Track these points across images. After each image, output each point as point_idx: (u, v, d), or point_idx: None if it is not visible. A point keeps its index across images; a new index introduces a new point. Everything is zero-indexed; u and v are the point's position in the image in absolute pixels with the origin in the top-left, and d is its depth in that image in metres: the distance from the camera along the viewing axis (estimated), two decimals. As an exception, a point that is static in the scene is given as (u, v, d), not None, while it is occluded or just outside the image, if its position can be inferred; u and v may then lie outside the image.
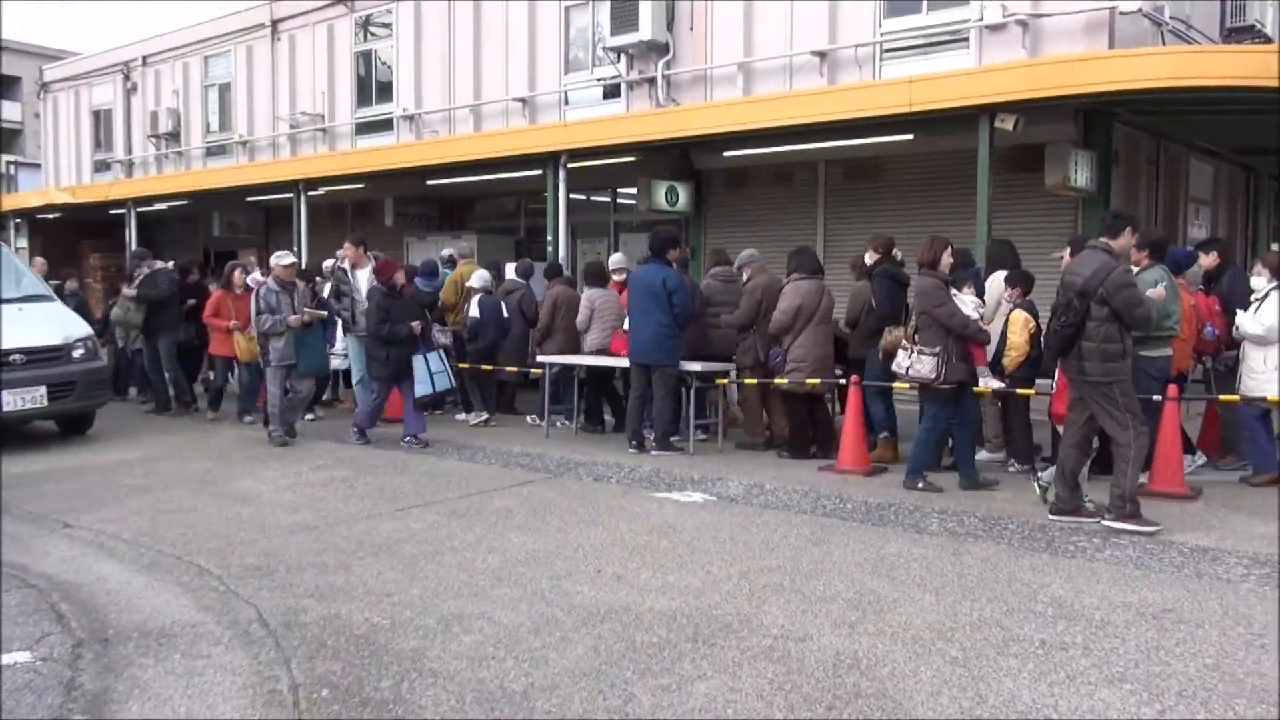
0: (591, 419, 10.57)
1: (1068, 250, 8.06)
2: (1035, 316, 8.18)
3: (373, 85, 18.01)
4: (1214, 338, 8.13)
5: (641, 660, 4.25)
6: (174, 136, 21.16)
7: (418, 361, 9.73)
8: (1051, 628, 4.61)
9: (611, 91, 14.80)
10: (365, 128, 17.90)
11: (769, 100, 12.27)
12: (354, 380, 11.17)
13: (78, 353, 10.33)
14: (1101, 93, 9.99)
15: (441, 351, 10.13)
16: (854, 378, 8.44)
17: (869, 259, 8.97)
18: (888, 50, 12.29)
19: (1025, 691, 3.90)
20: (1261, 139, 13.29)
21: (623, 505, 7.22)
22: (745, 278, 9.59)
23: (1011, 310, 8.23)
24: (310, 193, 17.14)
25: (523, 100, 15.60)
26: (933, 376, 7.39)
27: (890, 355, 8.64)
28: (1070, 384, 6.68)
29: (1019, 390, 8.10)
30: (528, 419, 11.21)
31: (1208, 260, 8.64)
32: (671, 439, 9.26)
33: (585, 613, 4.84)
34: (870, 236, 9.32)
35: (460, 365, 11.00)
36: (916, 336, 7.52)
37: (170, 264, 13.11)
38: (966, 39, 11.72)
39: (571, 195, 13.89)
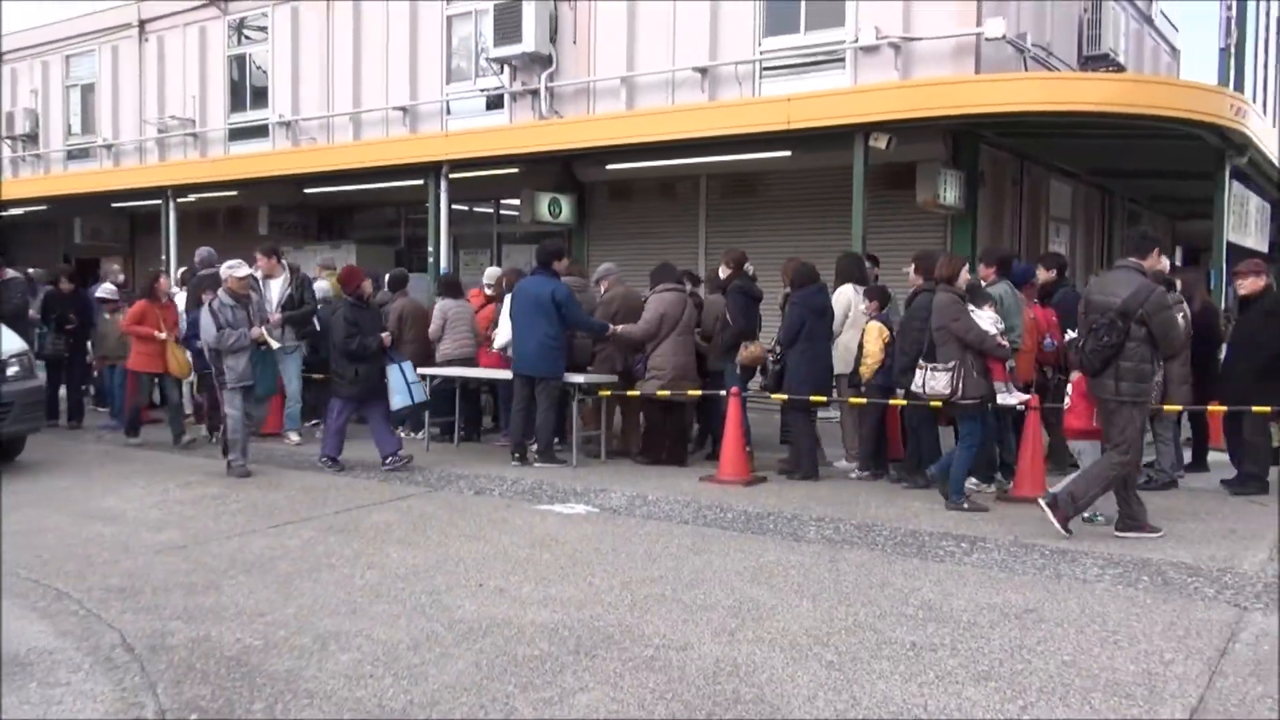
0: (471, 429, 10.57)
1: (913, 267, 8.43)
2: (890, 328, 8.46)
3: (247, 90, 17.53)
4: (1053, 349, 8.55)
5: (523, 674, 4.22)
6: (31, 139, 20.20)
7: (393, 372, 9.06)
8: (922, 630, 4.77)
9: (494, 102, 14.73)
10: (239, 133, 17.40)
11: (651, 115, 12.41)
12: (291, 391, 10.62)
13: (12, 370, 9.23)
14: (969, 114, 10.43)
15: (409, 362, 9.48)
16: (734, 389, 8.58)
17: (723, 274, 9.23)
18: (767, 68, 12.56)
19: (897, 692, 4.02)
20: (1116, 162, 14.06)
21: (505, 518, 7.17)
22: (603, 289, 9.72)
23: (868, 321, 8.50)
24: (180, 199, 16.57)
25: (404, 109, 15.40)
26: (948, 392, 7.32)
27: (748, 369, 8.84)
28: (1096, 404, 6.65)
29: (870, 400, 8.37)
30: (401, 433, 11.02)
31: (1044, 275, 9.09)
32: (555, 451, 9.25)
33: (466, 627, 4.79)
34: (724, 252, 9.60)
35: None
36: (934, 353, 7.46)
37: (23, 273, 12.50)
38: (842, 59, 12.06)
39: (453, 206, 13.79)
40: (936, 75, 11.30)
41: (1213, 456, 8.98)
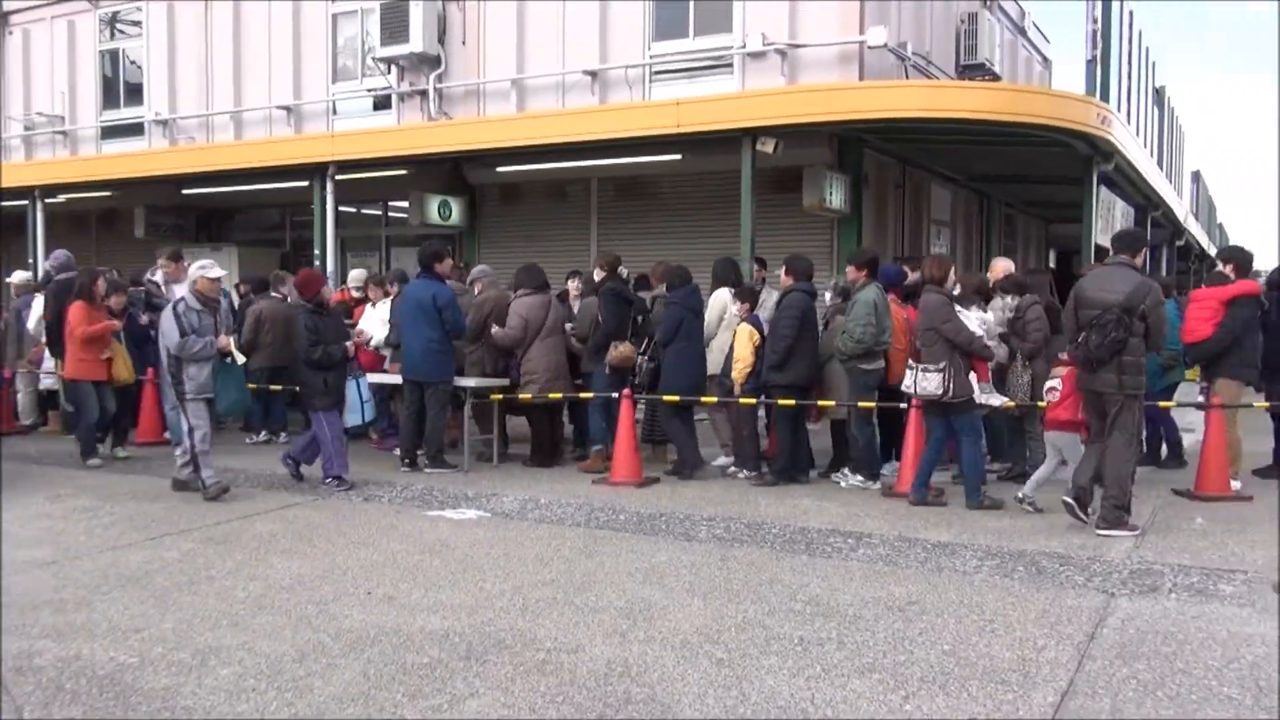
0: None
1: (783, 269, 8.62)
2: (760, 331, 8.61)
3: (120, 87, 16.89)
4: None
5: (413, 681, 4.16)
6: (-115, 135, 19.08)
7: (349, 388, 8.58)
8: (809, 625, 4.86)
9: (382, 103, 14.50)
10: (112, 132, 16.75)
11: (541, 117, 12.38)
12: (166, 406, 9.86)
13: None
14: (853, 120, 10.69)
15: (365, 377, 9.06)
16: (625, 390, 8.61)
17: (597, 276, 9.30)
18: (657, 72, 12.65)
19: (784, 687, 4.09)
20: (992, 168, 14.56)
21: (394, 525, 7.05)
22: (477, 291, 9.69)
23: (739, 324, 8.63)
24: (49, 200, 15.86)
25: (288, 108, 15.04)
26: (939, 393, 7.36)
27: (617, 370, 8.88)
28: (1090, 395, 6.76)
29: (743, 400, 8.52)
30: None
31: (913, 276, 9.40)
32: (445, 455, 9.15)
33: (354, 637, 4.70)
34: (598, 254, 9.67)
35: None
36: (921, 353, 7.55)
37: None
38: (730, 65, 12.23)
39: (340, 208, 13.53)
40: (822, 81, 11.55)
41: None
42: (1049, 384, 7.25)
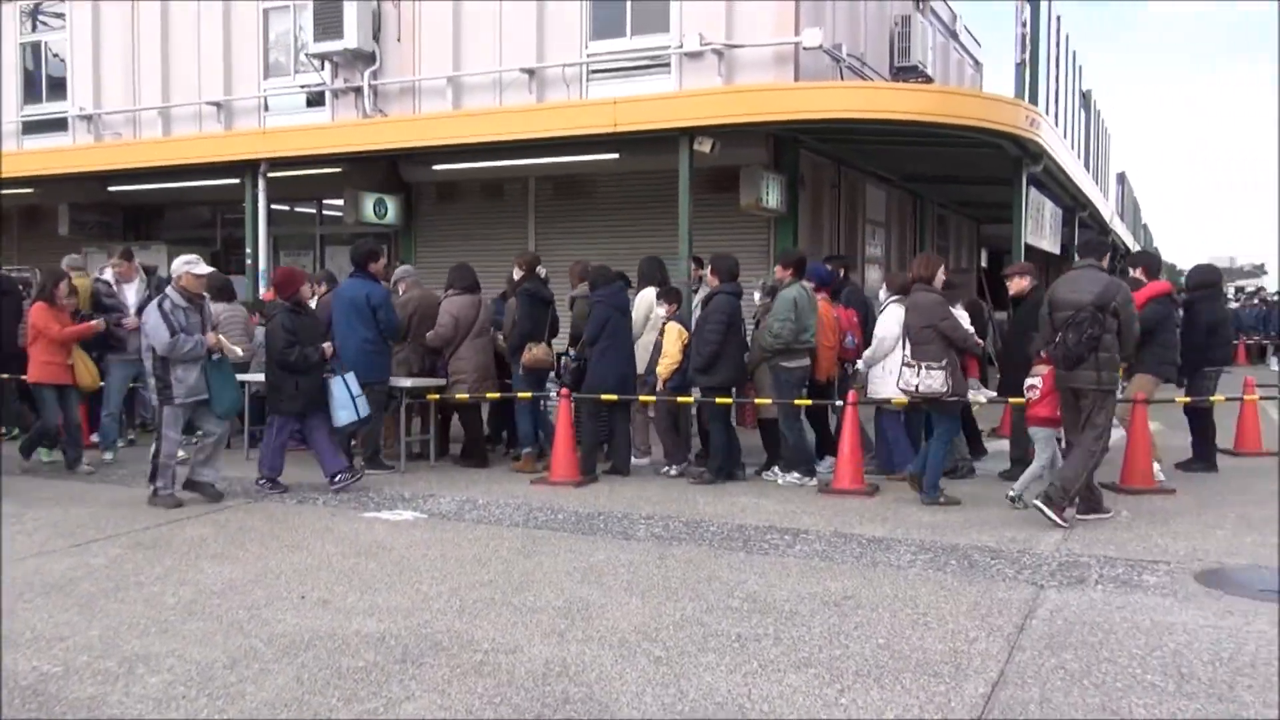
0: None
1: (709, 269, 8.74)
2: (688, 329, 8.66)
3: (43, 81, 16.43)
4: (854, 346, 8.97)
5: (347, 686, 4.11)
6: None
7: (336, 384, 8.18)
8: (747, 621, 4.89)
9: (315, 99, 14.30)
10: (34, 127, 16.30)
11: (478, 115, 12.29)
12: (103, 411, 9.62)
13: None
14: (789, 120, 10.77)
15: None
16: (563, 390, 8.59)
17: (515, 275, 9.32)
18: (594, 71, 12.64)
19: (722, 683, 4.12)
20: (925, 168, 14.78)
21: (329, 527, 6.96)
22: (400, 292, 9.64)
23: (666, 323, 8.67)
24: (-33, 197, 15.38)
25: (218, 104, 14.77)
26: (944, 390, 7.47)
27: (531, 370, 8.88)
28: (1067, 393, 6.97)
29: (679, 399, 8.57)
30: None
31: (839, 276, 9.58)
32: (382, 456, 9.06)
33: (287, 641, 4.63)
34: (517, 254, 9.67)
35: None
36: (914, 351, 7.57)
37: None
38: (668, 64, 12.26)
39: (273, 206, 13.29)
40: (758, 82, 11.63)
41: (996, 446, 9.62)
42: (1029, 382, 7.43)
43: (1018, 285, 8.72)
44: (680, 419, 9.03)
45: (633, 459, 9.19)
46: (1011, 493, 7.37)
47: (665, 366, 8.53)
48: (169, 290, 7.74)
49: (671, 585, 5.52)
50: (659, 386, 8.59)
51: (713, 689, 4.06)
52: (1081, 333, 6.75)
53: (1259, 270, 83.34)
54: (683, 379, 8.55)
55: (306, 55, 13.93)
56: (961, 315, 7.89)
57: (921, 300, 7.66)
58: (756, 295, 9.28)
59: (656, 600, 5.25)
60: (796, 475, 8.35)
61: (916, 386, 7.55)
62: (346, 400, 8.21)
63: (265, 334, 8.22)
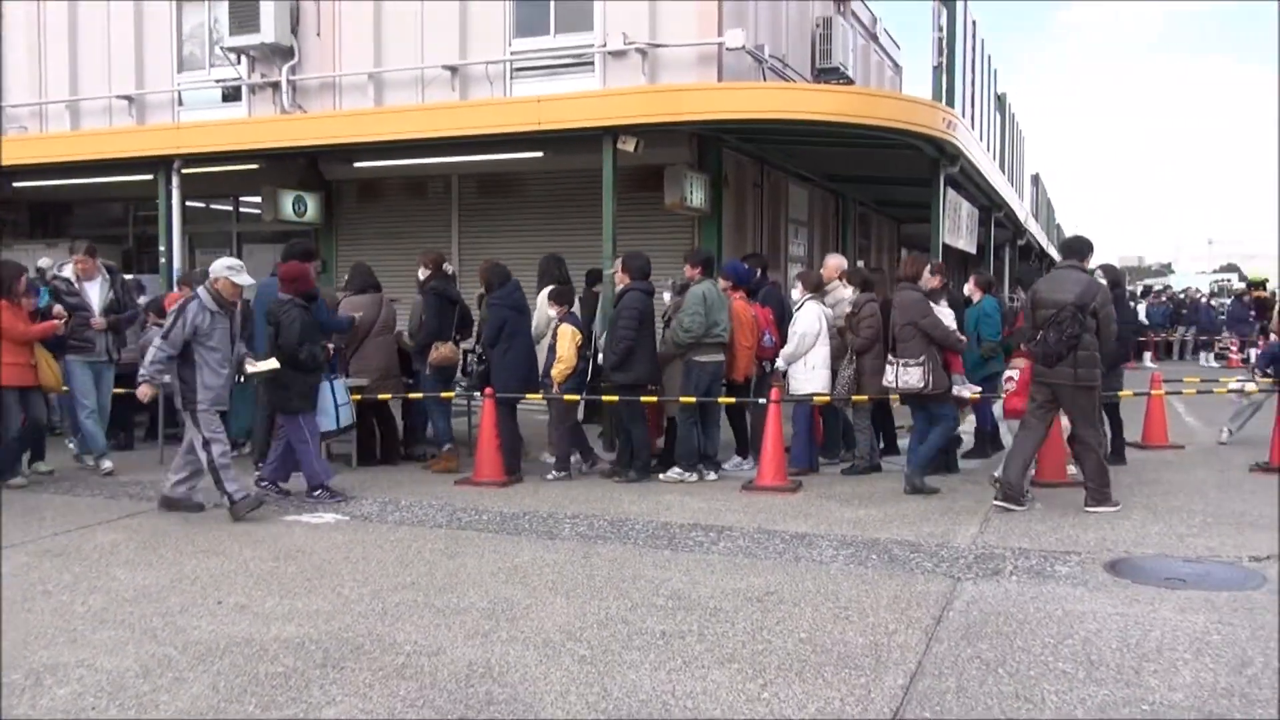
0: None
1: (619, 263, 8.78)
2: (581, 330, 8.66)
3: (-58, 72, 15.79)
4: (771, 344, 9.06)
5: (265, 692, 4.03)
6: None
7: (323, 389, 7.91)
8: (671, 619, 4.91)
9: (232, 94, 14.00)
10: (-67, 120, 15.65)
11: (400, 112, 12.14)
12: (82, 415, 8.98)
13: None
14: (712, 120, 10.84)
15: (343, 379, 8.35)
16: (488, 390, 8.53)
17: (421, 274, 9.29)
18: (518, 69, 12.58)
19: (646, 680, 4.13)
20: (847, 169, 14.99)
21: (247, 531, 6.82)
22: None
23: (559, 324, 8.61)
24: None
25: (129, 98, 14.37)
26: (921, 386, 7.67)
27: (438, 369, 8.79)
28: (1042, 388, 7.23)
29: (566, 397, 8.58)
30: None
31: (758, 275, 9.68)
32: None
33: (203, 649, 4.52)
34: (422, 252, 9.62)
35: None
36: (898, 348, 7.78)
37: None
38: (591, 63, 12.25)
39: (188, 203, 12.98)
40: (682, 82, 11.68)
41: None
42: (1006, 374, 7.72)
43: (927, 283, 8.87)
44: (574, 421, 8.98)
45: (545, 455, 9.24)
46: (997, 473, 7.64)
47: (559, 371, 8.48)
48: (200, 291, 7.29)
49: (596, 584, 5.52)
50: (553, 389, 8.56)
51: (637, 687, 4.07)
52: (1062, 331, 7.03)
53: (1166, 269, 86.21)
54: (581, 381, 8.55)
55: (222, 49, 13.62)
56: (945, 313, 8.10)
57: (904, 298, 7.88)
58: (667, 295, 9.30)
59: (581, 599, 5.24)
60: (677, 470, 8.40)
61: (895, 381, 7.79)
62: (329, 407, 7.98)
63: (279, 328, 7.69)
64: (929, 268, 8.80)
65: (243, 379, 7.52)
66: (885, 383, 7.96)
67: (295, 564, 5.96)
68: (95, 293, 9.13)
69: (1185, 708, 3.84)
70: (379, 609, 5.09)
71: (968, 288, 9.87)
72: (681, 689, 4.04)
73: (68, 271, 9.26)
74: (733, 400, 8.91)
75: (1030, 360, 7.42)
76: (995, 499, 7.26)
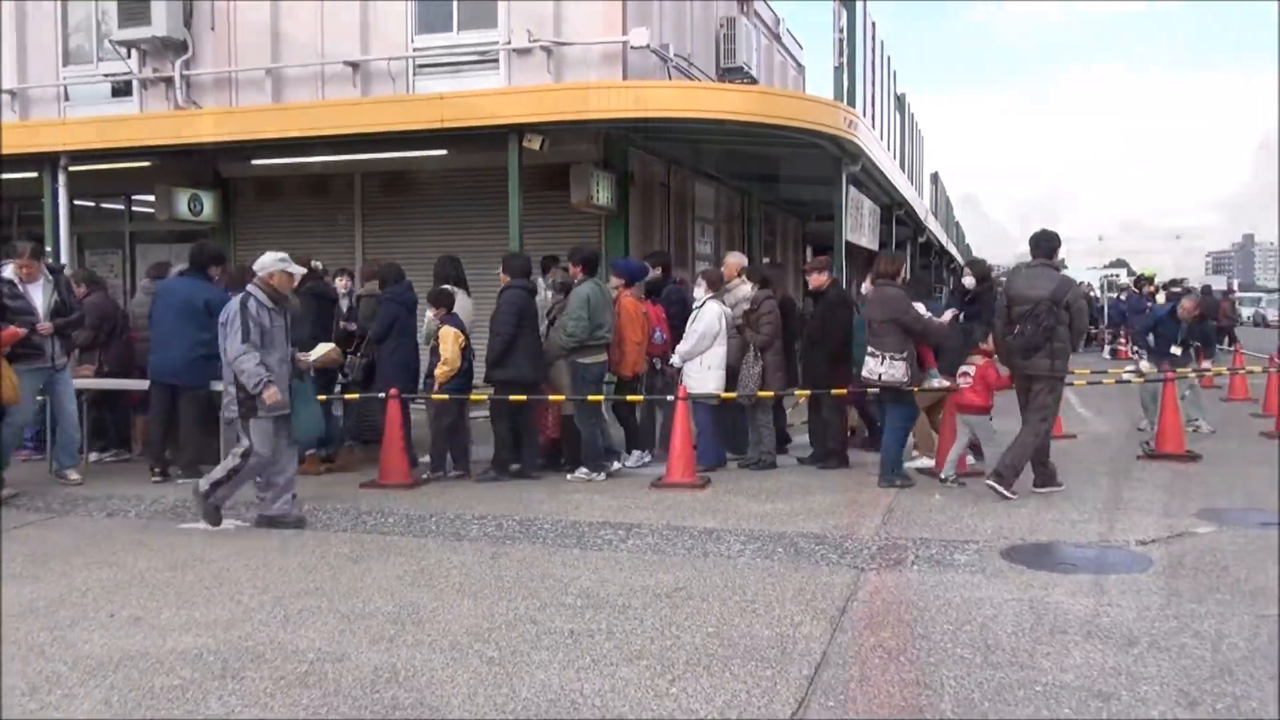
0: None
1: (501, 267, 8.70)
2: (464, 332, 8.60)
3: None
4: (662, 342, 9.15)
5: (161, 706, 3.91)
6: None
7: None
8: (580, 617, 4.91)
9: (122, 89, 13.53)
10: None
11: (300, 109, 11.91)
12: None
13: None
14: (616, 118, 10.85)
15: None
16: (393, 390, 8.40)
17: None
18: (421, 66, 12.43)
19: (555, 680, 4.12)
20: (751, 167, 15.16)
21: (142, 541, 6.60)
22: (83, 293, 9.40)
23: (440, 327, 8.51)
24: None
25: (11, 92, 13.78)
26: (906, 380, 7.84)
27: (323, 370, 8.62)
28: (1023, 379, 7.61)
29: (456, 396, 8.51)
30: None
31: (655, 272, 9.75)
32: (202, 465, 8.66)
33: (94, 663, 4.36)
34: (300, 254, 9.46)
35: None
36: (873, 343, 7.93)
37: None
38: (496, 61, 12.17)
39: (76, 202, 12.51)
40: (587, 79, 11.67)
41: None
42: (962, 369, 7.93)
43: (816, 280, 9.10)
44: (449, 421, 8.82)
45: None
46: (943, 476, 7.99)
47: (443, 372, 8.37)
48: (252, 288, 6.89)
49: (505, 584, 5.49)
50: (435, 388, 8.46)
51: (546, 686, 4.05)
52: (1039, 324, 7.42)
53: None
54: (466, 380, 8.54)
55: (111, 42, 13.15)
56: (922, 309, 8.31)
57: (885, 295, 8.05)
58: (549, 293, 9.28)
59: (489, 600, 5.20)
60: (585, 471, 8.42)
61: (880, 375, 7.93)
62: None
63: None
64: (819, 268, 9.01)
65: (303, 375, 7.15)
66: (867, 374, 8.05)
67: (193, 572, 5.79)
68: (39, 296, 8.49)
69: (1076, 688, 3.98)
70: (280, 616, 4.97)
71: (865, 286, 10.03)
72: (590, 687, 4.04)
73: (8, 273, 8.68)
74: (634, 398, 8.95)
75: (991, 356, 7.87)
76: (987, 479, 7.54)
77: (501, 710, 3.85)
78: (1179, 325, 10.63)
